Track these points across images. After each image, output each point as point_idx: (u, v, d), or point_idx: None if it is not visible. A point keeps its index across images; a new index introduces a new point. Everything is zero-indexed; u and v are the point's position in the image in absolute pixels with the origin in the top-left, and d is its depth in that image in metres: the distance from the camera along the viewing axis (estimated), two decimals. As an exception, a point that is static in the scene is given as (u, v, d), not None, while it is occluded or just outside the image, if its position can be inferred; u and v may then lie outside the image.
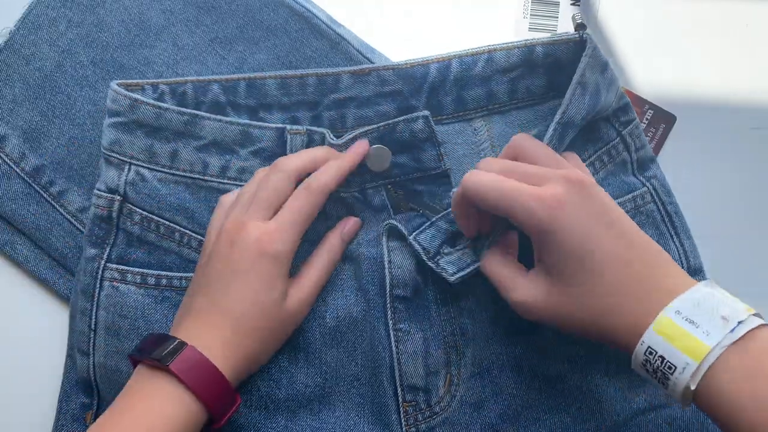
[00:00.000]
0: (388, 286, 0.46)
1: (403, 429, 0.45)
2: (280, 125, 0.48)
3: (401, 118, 0.47)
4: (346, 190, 0.48)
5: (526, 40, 0.49)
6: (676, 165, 0.51)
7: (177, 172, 0.48)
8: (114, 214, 0.48)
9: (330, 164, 0.46)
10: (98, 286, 0.47)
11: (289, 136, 0.47)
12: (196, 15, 0.53)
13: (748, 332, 0.35)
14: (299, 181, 0.46)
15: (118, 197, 0.48)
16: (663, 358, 0.36)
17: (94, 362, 0.47)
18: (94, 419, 0.47)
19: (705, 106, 0.56)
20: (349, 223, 0.48)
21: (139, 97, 0.47)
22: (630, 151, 0.50)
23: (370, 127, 0.47)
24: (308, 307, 0.46)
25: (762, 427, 0.33)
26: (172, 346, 0.41)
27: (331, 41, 0.53)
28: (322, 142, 0.48)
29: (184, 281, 0.48)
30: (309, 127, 0.48)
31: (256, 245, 0.43)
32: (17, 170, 0.52)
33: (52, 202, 0.52)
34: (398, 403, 0.46)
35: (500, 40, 0.49)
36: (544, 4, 0.57)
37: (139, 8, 0.53)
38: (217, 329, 0.43)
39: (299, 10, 0.53)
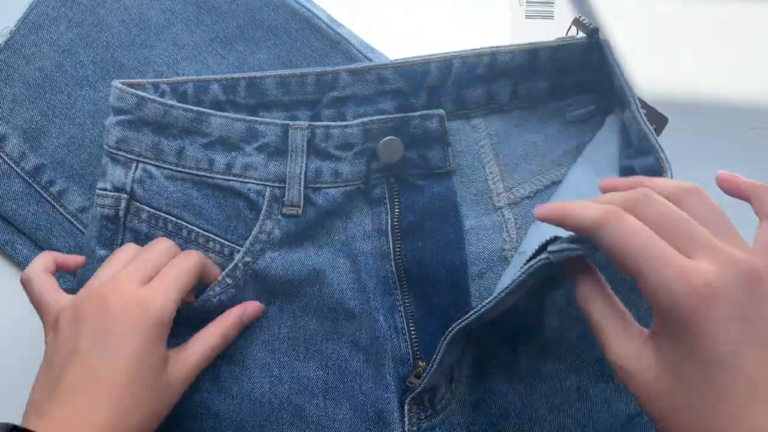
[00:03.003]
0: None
1: (406, 428, 0.45)
2: (285, 121, 0.47)
3: (417, 113, 0.48)
4: (353, 182, 0.48)
5: (531, 43, 0.48)
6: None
7: (184, 170, 0.48)
8: (121, 213, 0.47)
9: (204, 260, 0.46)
10: None
11: (290, 131, 0.47)
12: (196, 14, 0.54)
13: None
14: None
15: (125, 195, 0.47)
16: None
17: None
18: None
19: (702, 107, 0.57)
20: (250, 308, 0.47)
21: (146, 94, 0.47)
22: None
23: (385, 117, 0.48)
24: (187, 383, 0.43)
25: None
26: None
27: (332, 41, 0.53)
28: (325, 136, 0.47)
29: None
30: (311, 123, 0.47)
31: (134, 305, 0.40)
32: (17, 170, 0.52)
33: (52, 202, 0.52)
34: (402, 400, 0.46)
35: (496, 29, 0.49)
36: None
37: (139, 8, 0.53)
38: (95, 410, 0.37)
39: (299, 9, 0.53)
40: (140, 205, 0.48)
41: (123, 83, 0.47)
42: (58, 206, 0.52)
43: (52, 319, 0.42)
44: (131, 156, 0.47)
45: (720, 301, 0.30)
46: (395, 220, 0.48)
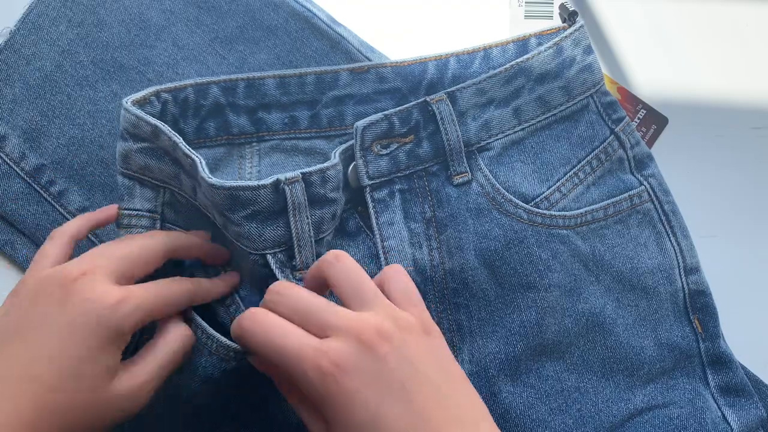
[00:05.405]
0: None
1: None
2: (271, 180, 0.42)
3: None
4: (337, 220, 0.46)
5: (520, 34, 0.50)
6: (664, 167, 0.52)
7: (201, 208, 0.45)
8: None
9: (216, 282, 0.43)
10: None
11: (286, 188, 0.42)
12: (196, 15, 0.54)
13: None
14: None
15: (158, 216, 0.45)
16: None
17: None
18: None
19: (702, 108, 0.57)
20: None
21: (158, 124, 0.43)
22: (625, 148, 0.51)
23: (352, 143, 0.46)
24: (143, 396, 0.37)
25: None
26: None
27: (332, 41, 0.53)
28: (322, 180, 0.43)
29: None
30: (302, 171, 0.43)
31: (99, 302, 0.36)
32: (17, 170, 0.52)
33: (52, 202, 0.52)
34: None
35: (496, 29, 0.50)
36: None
37: (139, 8, 0.53)
38: (16, 403, 0.33)
39: (299, 9, 0.53)
40: (171, 226, 0.46)
41: (132, 102, 0.44)
42: (58, 206, 0.52)
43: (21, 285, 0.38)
44: (157, 182, 0.45)
45: (349, 374, 0.33)
46: (384, 241, 0.47)
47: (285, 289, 0.37)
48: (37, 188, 0.52)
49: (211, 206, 0.43)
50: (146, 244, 0.41)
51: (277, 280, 0.42)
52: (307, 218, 0.43)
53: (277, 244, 0.43)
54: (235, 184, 0.41)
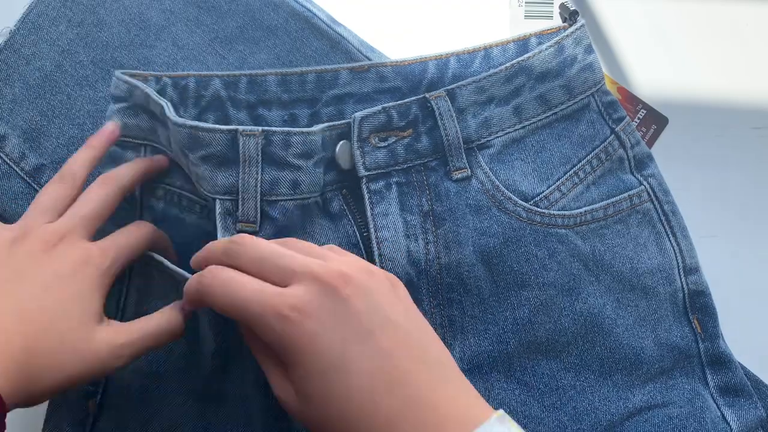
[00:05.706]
0: None
1: None
2: (233, 127, 0.44)
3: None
4: (309, 195, 0.46)
5: (520, 34, 0.50)
6: (664, 167, 0.52)
7: (174, 159, 0.47)
8: (137, 193, 0.48)
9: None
10: (129, 268, 0.46)
11: (241, 139, 0.44)
12: (196, 15, 0.54)
13: None
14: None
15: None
16: None
17: None
18: (98, 407, 0.46)
19: (702, 108, 0.57)
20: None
21: (134, 81, 0.47)
22: (626, 148, 0.51)
23: (343, 122, 0.46)
24: (123, 356, 0.39)
25: None
26: None
27: (332, 40, 0.53)
28: (284, 143, 0.44)
29: None
30: (265, 129, 0.44)
31: (82, 254, 0.39)
32: (17, 170, 0.52)
33: (52, 202, 0.52)
34: None
35: (496, 29, 0.50)
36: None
37: (139, 8, 0.53)
38: (9, 341, 0.35)
39: (299, 9, 0.53)
40: (154, 183, 0.48)
41: (125, 73, 0.48)
42: (58, 206, 0.52)
43: None
44: (138, 140, 0.48)
45: (310, 316, 0.33)
46: (363, 231, 0.46)
47: (243, 239, 0.38)
48: (37, 188, 0.52)
49: (177, 148, 0.45)
50: (104, 193, 0.43)
51: (216, 235, 0.44)
52: (257, 174, 0.44)
53: (227, 192, 0.44)
54: (195, 124, 0.44)
